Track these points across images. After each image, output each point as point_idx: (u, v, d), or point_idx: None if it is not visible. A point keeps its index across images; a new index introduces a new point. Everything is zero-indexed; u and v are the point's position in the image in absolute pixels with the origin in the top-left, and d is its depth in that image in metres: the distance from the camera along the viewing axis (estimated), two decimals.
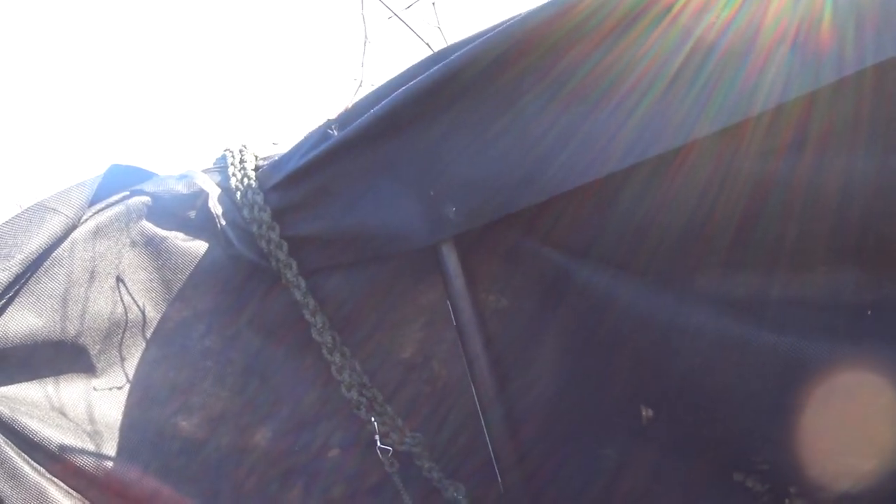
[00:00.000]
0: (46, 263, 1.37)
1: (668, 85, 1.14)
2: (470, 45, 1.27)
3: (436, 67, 1.30)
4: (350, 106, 1.42)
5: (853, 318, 1.14)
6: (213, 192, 1.54)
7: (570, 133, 1.23)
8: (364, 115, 1.39)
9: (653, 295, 1.30)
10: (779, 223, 1.15)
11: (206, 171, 1.62)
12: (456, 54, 1.28)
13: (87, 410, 1.41)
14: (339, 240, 1.49)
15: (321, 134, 1.46)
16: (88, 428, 1.40)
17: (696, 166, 1.19)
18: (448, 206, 1.35)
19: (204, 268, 1.53)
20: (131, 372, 1.48)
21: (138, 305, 1.49)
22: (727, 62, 1.09)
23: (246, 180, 1.53)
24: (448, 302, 1.47)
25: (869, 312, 1.13)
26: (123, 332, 1.48)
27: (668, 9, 1.13)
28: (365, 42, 1.47)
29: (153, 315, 1.51)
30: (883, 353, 1.10)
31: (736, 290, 1.23)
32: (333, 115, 1.42)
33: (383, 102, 1.36)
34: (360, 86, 1.47)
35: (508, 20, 1.27)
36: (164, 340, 1.52)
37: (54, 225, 1.38)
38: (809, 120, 1.08)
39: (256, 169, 1.57)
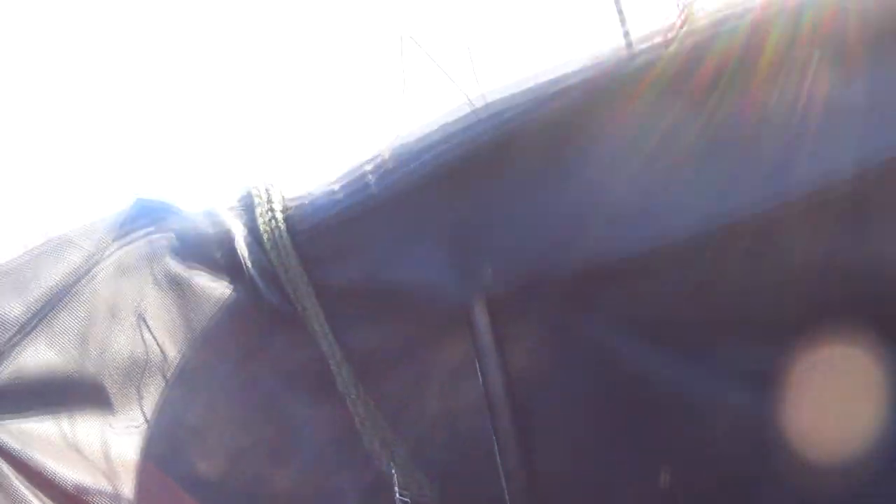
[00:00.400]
0: (66, 299, 1.36)
1: (715, 160, 1.15)
2: (518, 111, 1.27)
3: (482, 130, 1.29)
4: (387, 154, 1.40)
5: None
6: (240, 233, 1.51)
7: (614, 204, 1.23)
8: (403, 166, 1.38)
9: (687, 368, 1.28)
10: (820, 302, 1.14)
11: (232, 208, 1.60)
12: (503, 118, 1.28)
13: (103, 448, 1.39)
14: (369, 291, 1.47)
15: (358, 183, 1.44)
16: (104, 466, 1.38)
17: (738, 243, 1.17)
18: (485, 266, 1.34)
19: (228, 310, 1.51)
20: (149, 411, 1.46)
21: (159, 345, 1.47)
22: (776, 139, 1.10)
23: (274, 223, 1.51)
24: (476, 360, 1.44)
25: None
26: (143, 371, 1.46)
27: (718, 81, 1.14)
28: (403, 88, 1.45)
29: (174, 355, 1.49)
30: None
31: (771, 368, 1.21)
32: (370, 165, 1.39)
33: (425, 159, 1.35)
34: (398, 132, 1.45)
35: (554, 81, 1.26)
36: (185, 381, 1.50)
37: (76, 259, 1.38)
38: (845, 204, 1.09)
39: (285, 211, 1.54)
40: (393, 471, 1.52)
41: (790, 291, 1.16)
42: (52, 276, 1.34)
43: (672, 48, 1.19)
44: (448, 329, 1.47)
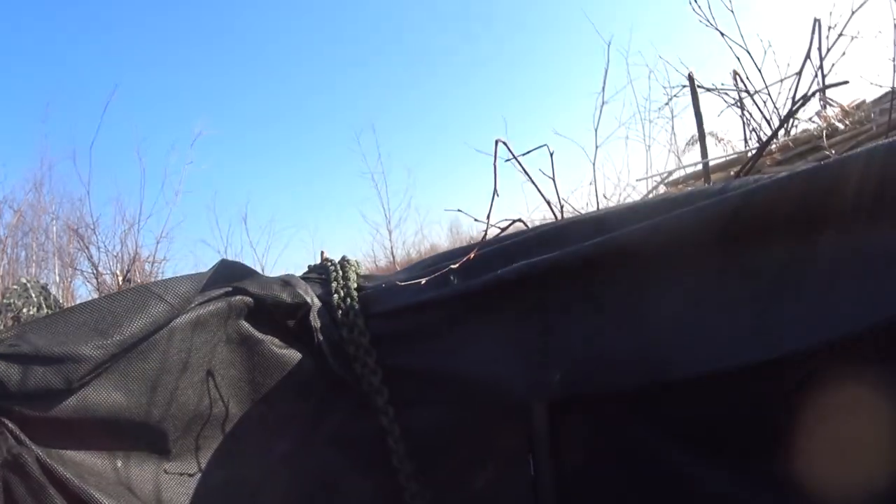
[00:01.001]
0: (143, 346, 1.40)
1: (788, 292, 1.21)
2: (603, 240, 1.34)
3: (569, 250, 1.36)
4: (473, 256, 1.47)
5: None
6: (315, 305, 1.58)
7: (675, 329, 1.30)
8: (486, 271, 1.45)
9: (733, 478, 1.33)
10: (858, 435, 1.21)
11: (307, 278, 1.67)
12: (582, 245, 1.35)
13: (155, 491, 1.44)
14: (435, 377, 1.54)
15: (442, 278, 1.51)
16: None
17: (787, 373, 1.25)
18: (553, 372, 1.40)
19: (295, 376, 1.57)
20: (205, 462, 1.51)
21: (223, 400, 1.53)
22: (824, 282, 1.18)
23: (349, 300, 1.58)
24: (529, 454, 1.50)
25: None
26: (205, 423, 1.51)
27: (776, 227, 1.22)
28: (494, 195, 1.52)
29: (236, 412, 1.54)
30: None
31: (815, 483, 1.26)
32: (455, 263, 1.46)
33: (510, 269, 1.42)
34: (485, 236, 1.52)
35: (631, 210, 1.33)
36: (243, 438, 1.55)
37: (158, 312, 1.41)
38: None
39: (359, 289, 1.61)
40: None
41: (832, 424, 1.22)
42: (132, 323, 1.38)
43: (739, 193, 1.26)
44: (506, 422, 1.52)
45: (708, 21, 4.89)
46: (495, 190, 1.55)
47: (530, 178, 1.70)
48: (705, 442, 1.36)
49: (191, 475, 1.50)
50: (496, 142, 1.55)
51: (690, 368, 1.29)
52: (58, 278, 14.64)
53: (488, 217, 1.53)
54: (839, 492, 1.22)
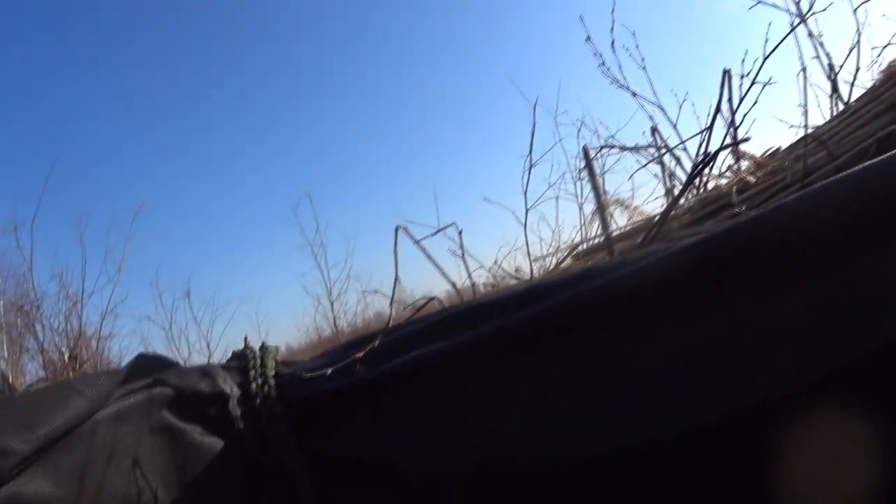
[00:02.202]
0: (68, 439, 1.44)
1: (712, 363, 1.24)
2: (501, 323, 1.40)
3: (465, 338, 1.43)
4: (377, 344, 1.54)
5: None
6: (234, 395, 1.63)
7: (578, 403, 1.34)
8: (390, 358, 1.52)
9: None
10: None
11: (227, 368, 1.72)
12: (486, 329, 1.41)
13: None
14: (357, 463, 1.58)
15: (348, 368, 1.57)
16: None
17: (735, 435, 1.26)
18: (462, 452, 1.45)
19: (219, 465, 1.60)
20: None
21: (151, 488, 1.55)
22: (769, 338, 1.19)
23: (266, 388, 1.64)
24: None
25: None
26: None
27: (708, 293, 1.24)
28: (396, 281, 1.59)
29: (165, 499, 1.56)
30: None
31: None
32: (361, 352, 1.53)
33: (414, 355, 1.48)
34: (389, 322, 1.58)
35: (532, 290, 1.41)
36: None
37: (79, 406, 1.46)
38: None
39: (278, 377, 1.67)
40: None
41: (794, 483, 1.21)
42: (55, 418, 1.42)
43: (667, 258, 1.29)
44: (429, 500, 1.56)
45: (618, 83, 5.08)
46: (396, 277, 1.61)
47: (434, 261, 1.79)
48: None
49: None
50: (396, 229, 1.63)
51: (597, 444, 1.33)
52: (6, 354, 14.38)
53: (391, 303, 1.60)
54: None
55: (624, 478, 1.38)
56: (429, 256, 1.71)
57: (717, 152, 2.59)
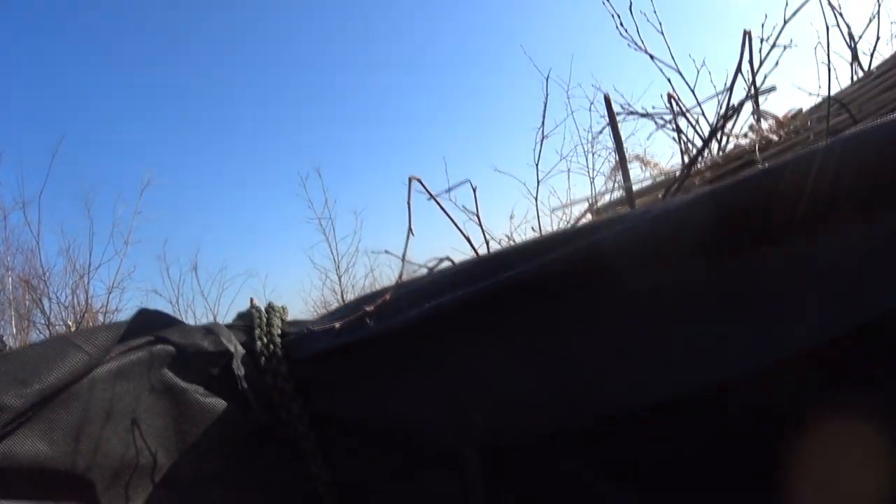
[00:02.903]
0: (64, 396, 1.37)
1: (710, 320, 1.19)
2: (522, 269, 1.32)
3: (485, 285, 1.34)
4: (388, 298, 1.47)
5: None
6: (238, 353, 1.56)
7: (608, 361, 1.28)
8: (403, 311, 1.44)
9: None
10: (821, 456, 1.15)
11: (232, 327, 1.65)
12: (507, 275, 1.33)
13: None
14: (361, 423, 1.52)
15: (357, 322, 1.49)
16: None
17: (738, 397, 1.22)
18: (476, 414, 1.38)
19: (221, 425, 1.54)
20: None
21: (150, 450, 1.49)
22: (782, 293, 1.14)
23: (272, 346, 1.57)
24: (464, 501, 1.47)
25: None
26: (132, 474, 1.47)
27: (724, 235, 1.18)
28: (409, 234, 1.52)
29: (164, 462, 1.51)
30: None
31: None
32: (371, 306, 1.46)
33: (428, 307, 1.40)
34: (401, 276, 1.52)
35: (556, 237, 1.34)
36: (172, 488, 1.51)
37: (76, 361, 1.39)
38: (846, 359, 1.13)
39: (283, 335, 1.60)
40: None
41: (787, 446, 1.17)
42: (51, 373, 1.35)
43: (680, 209, 1.23)
44: (436, 467, 1.50)
45: (637, 45, 4.97)
46: (409, 229, 1.55)
47: (448, 215, 1.72)
48: (652, 481, 1.34)
49: None
50: (409, 179, 1.56)
51: (621, 404, 1.27)
52: (14, 330, 14.45)
53: (403, 257, 1.53)
54: None
55: (653, 437, 1.31)
56: (443, 209, 1.64)
57: (741, 103, 2.49)
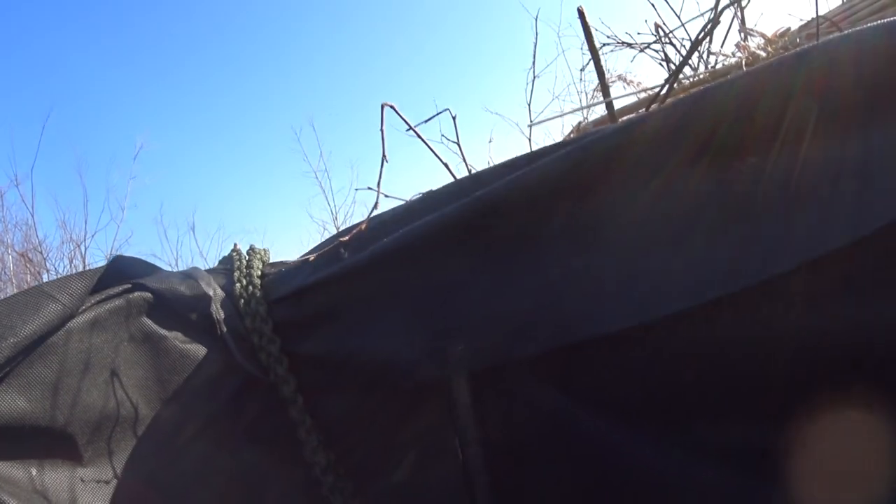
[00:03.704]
0: (40, 349, 1.34)
1: (695, 237, 1.14)
2: (496, 185, 1.27)
3: (459, 204, 1.30)
4: (364, 227, 1.42)
5: None
6: (217, 297, 1.52)
7: (588, 280, 1.22)
8: (379, 239, 1.39)
9: (656, 445, 1.27)
10: (807, 378, 1.12)
11: (212, 271, 1.61)
12: (481, 192, 1.28)
13: (71, 499, 1.37)
14: (341, 361, 1.47)
15: (333, 253, 1.45)
16: None
17: (717, 318, 1.16)
18: (456, 342, 1.33)
19: (202, 372, 1.50)
20: (119, 467, 1.44)
21: (131, 401, 1.46)
22: (756, 214, 1.08)
23: (251, 288, 1.52)
24: (453, 433, 1.43)
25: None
26: (114, 426, 1.44)
27: (703, 149, 1.12)
28: (383, 161, 1.47)
29: (146, 412, 1.48)
30: None
31: (745, 445, 1.19)
32: (346, 236, 1.41)
33: (402, 232, 1.36)
34: (376, 207, 1.47)
35: (533, 155, 1.28)
36: (155, 439, 1.48)
37: (51, 312, 1.35)
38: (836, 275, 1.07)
39: (263, 277, 1.56)
40: None
41: (773, 367, 1.13)
42: (25, 326, 1.32)
43: (655, 116, 1.17)
44: (421, 402, 1.47)
45: None
46: (384, 156, 1.49)
47: (426, 142, 1.66)
48: (633, 409, 1.29)
49: (107, 482, 1.42)
50: (382, 106, 1.51)
51: (601, 325, 1.22)
52: None
53: (378, 185, 1.48)
54: (785, 462, 1.13)
55: (634, 364, 1.27)
56: (420, 137, 1.59)
57: (722, 10, 2.37)
